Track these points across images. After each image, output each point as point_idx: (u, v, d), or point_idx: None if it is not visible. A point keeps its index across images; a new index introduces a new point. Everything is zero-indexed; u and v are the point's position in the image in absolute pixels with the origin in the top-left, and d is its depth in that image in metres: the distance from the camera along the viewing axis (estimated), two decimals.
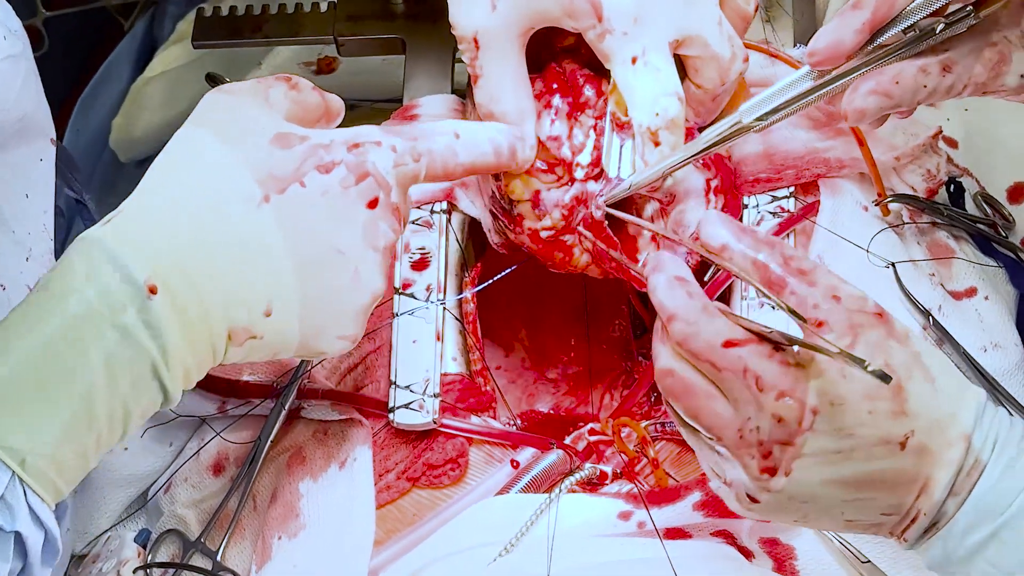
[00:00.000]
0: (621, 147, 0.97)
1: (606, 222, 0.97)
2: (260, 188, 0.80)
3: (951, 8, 0.84)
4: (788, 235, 1.08)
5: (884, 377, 0.70)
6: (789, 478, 0.76)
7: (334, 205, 0.82)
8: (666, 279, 0.79)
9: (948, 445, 0.76)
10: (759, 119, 0.90)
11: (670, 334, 0.78)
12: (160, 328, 0.76)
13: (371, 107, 1.37)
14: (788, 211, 1.09)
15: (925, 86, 0.87)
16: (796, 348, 0.76)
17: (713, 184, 1.01)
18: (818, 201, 1.09)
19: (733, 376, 0.76)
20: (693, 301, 0.78)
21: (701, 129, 1.01)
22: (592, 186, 0.98)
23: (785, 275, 0.79)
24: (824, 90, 0.88)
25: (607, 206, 0.97)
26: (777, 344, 0.76)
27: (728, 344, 0.76)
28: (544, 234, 0.99)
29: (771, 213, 1.08)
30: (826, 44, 0.86)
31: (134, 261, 0.76)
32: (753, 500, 0.78)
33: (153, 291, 0.76)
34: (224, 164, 0.80)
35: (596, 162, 0.98)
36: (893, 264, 1.05)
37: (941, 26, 0.84)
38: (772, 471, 0.76)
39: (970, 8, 0.83)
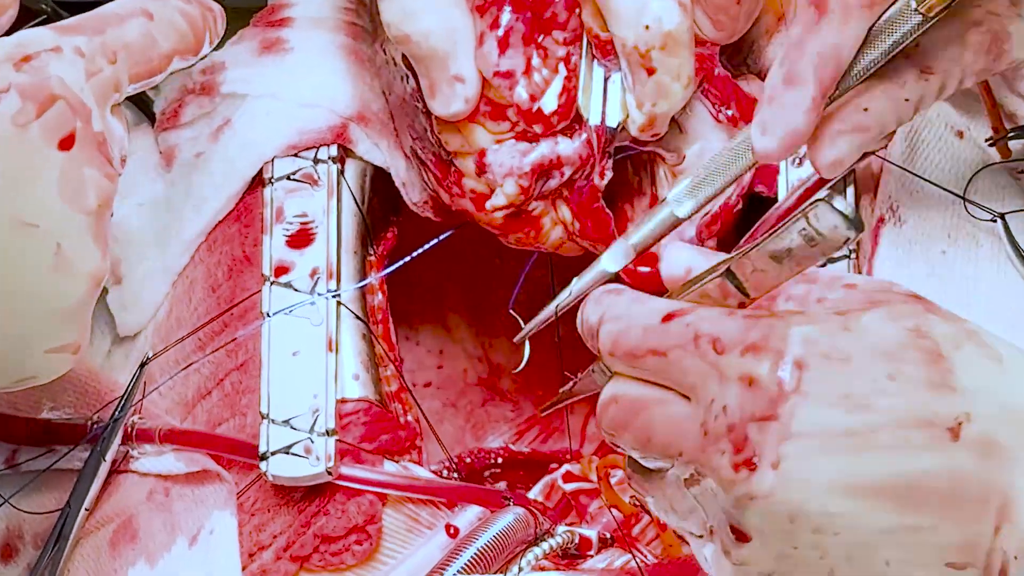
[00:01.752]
0: (606, 80, 0.89)
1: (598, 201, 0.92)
2: None
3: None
4: (847, 182, 0.98)
5: (856, 223, 0.65)
6: (779, 471, 0.68)
7: (8, 155, 0.76)
8: (591, 299, 0.78)
9: None
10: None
11: (601, 350, 0.77)
12: None
13: (224, 8, 1.31)
14: None
15: (907, 99, 0.84)
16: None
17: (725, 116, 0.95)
18: None
19: (682, 352, 0.72)
20: (619, 297, 0.77)
21: (723, 51, 0.94)
22: (564, 145, 0.90)
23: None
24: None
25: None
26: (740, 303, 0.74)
27: (668, 317, 0.74)
28: (498, 214, 0.93)
29: None
30: (781, 137, 0.81)
31: None
32: (740, 536, 0.69)
33: None
34: None
35: (567, 109, 0.89)
36: (1003, 216, 0.94)
37: (889, 41, 0.81)
38: (751, 464, 0.69)
39: (914, 5, 0.80)
